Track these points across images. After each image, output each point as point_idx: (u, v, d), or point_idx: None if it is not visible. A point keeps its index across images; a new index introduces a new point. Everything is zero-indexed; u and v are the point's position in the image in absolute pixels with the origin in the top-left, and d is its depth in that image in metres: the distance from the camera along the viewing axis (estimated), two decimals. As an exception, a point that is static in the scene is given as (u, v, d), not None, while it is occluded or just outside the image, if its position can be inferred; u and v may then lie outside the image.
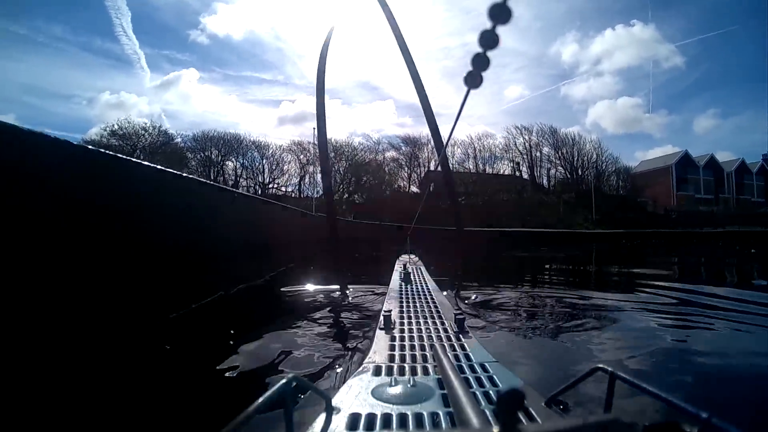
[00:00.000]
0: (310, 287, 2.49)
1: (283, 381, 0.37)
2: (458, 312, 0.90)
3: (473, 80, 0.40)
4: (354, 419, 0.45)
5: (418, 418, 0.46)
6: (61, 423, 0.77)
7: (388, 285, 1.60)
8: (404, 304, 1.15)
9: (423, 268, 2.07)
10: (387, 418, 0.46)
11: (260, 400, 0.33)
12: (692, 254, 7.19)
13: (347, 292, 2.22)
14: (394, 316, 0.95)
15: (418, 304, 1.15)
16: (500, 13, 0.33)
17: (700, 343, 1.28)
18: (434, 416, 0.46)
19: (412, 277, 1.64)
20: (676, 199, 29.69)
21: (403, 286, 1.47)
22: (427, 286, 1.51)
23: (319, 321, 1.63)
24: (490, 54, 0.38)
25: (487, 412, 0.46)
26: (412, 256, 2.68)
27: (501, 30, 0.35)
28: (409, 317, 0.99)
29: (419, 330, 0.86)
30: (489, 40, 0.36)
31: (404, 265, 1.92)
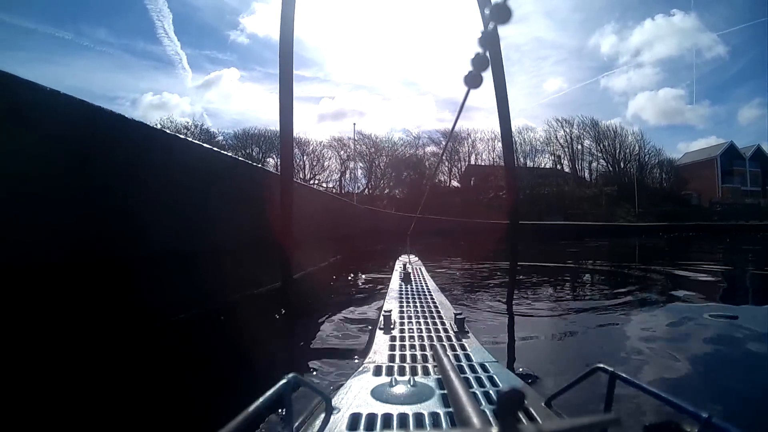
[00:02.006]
0: (315, 285, 2.49)
1: (283, 381, 0.38)
2: (458, 312, 0.90)
3: (473, 80, 0.40)
4: (354, 419, 0.45)
5: (418, 418, 0.46)
6: (60, 423, 0.77)
7: (388, 285, 1.61)
8: (404, 304, 1.15)
9: (423, 268, 2.07)
10: (387, 418, 0.46)
11: (260, 400, 0.33)
12: (737, 248, 6.95)
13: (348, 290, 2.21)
14: (394, 316, 0.95)
15: (418, 304, 1.15)
16: (500, 13, 0.33)
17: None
18: (434, 416, 0.46)
19: (412, 277, 1.64)
20: (722, 192, 28.47)
21: (403, 286, 1.47)
22: (427, 286, 1.51)
23: (320, 320, 1.63)
24: (488, 55, 0.38)
25: (487, 412, 0.46)
26: (412, 256, 2.68)
27: (500, 30, 0.35)
28: (409, 317, 0.99)
29: (419, 330, 0.86)
30: (489, 40, 0.36)
31: (404, 265, 1.92)
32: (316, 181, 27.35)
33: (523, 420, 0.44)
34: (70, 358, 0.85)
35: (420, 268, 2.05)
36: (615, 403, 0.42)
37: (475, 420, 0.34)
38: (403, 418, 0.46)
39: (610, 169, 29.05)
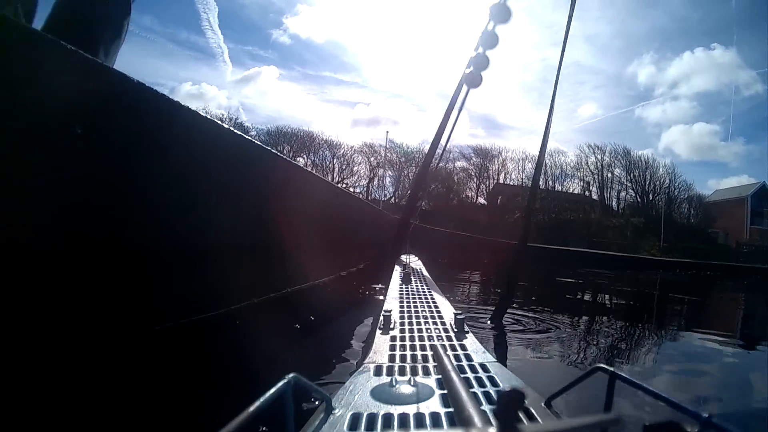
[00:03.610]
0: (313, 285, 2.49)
1: (283, 381, 0.38)
2: (458, 312, 0.90)
3: (473, 80, 0.40)
4: (354, 419, 0.45)
5: (419, 418, 0.46)
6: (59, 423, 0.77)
7: (388, 285, 1.61)
8: (404, 304, 1.15)
9: (423, 269, 2.07)
10: (387, 418, 0.46)
11: (260, 400, 0.33)
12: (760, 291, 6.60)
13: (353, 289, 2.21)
14: (394, 316, 0.95)
15: (418, 304, 1.15)
16: (500, 13, 0.33)
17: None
18: (434, 416, 0.46)
19: (412, 277, 1.64)
20: (749, 233, 27.73)
21: (403, 286, 1.47)
22: (427, 286, 1.51)
23: (320, 320, 1.63)
24: (490, 53, 0.38)
25: (487, 412, 0.46)
26: (412, 257, 2.68)
27: (499, 29, 0.35)
28: (409, 317, 0.99)
29: (419, 330, 0.86)
30: (489, 40, 0.36)
31: (404, 266, 1.92)
32: (345, 185, 27.46)
33: (523, 420, 0.44)
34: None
35: (420, 268, 2.05)
36: (615, 403, 0.42)
37: (475, 420, 0.34)
38: (403, 418, 0.46)
39: (639, 200, 28.57)
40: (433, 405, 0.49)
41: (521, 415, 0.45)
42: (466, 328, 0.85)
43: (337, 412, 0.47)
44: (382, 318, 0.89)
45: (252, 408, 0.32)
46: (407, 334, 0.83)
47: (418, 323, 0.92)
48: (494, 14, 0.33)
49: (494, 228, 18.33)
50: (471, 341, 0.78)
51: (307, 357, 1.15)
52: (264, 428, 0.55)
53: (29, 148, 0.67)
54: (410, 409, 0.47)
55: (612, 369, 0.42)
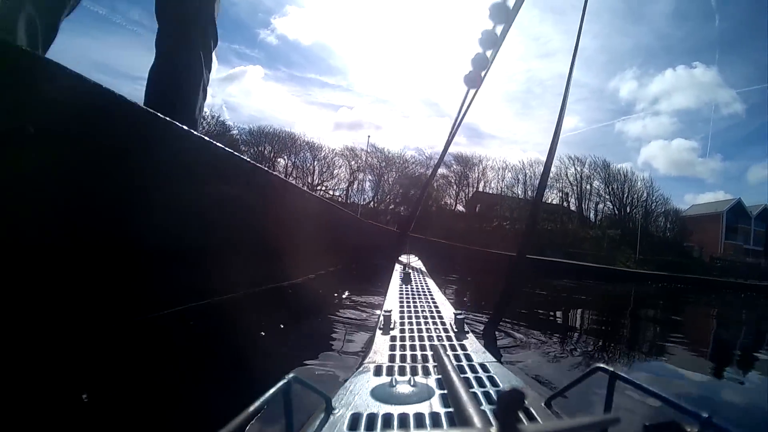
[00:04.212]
0: (310, 285, 2.49)
1: (283, 381, 0.38)
2: (458, 312, 0.90)
3: (473, 80, 0.40)
4: (354, 419, 0.45)
5: (419, 418, 0.46)
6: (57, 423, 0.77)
7: (388, 285, 1.61)
8: (404, 304, 1.15)
9: (423, 269, 2.07)
10: (387, 418, 0.46)
11: (260, 400, 0.33)
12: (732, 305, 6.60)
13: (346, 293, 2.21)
14: (394, 316, 0.95)
15: (418, 304, 1.15)
16: (500, 13, 0.33)
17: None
18: (434, 416, 0.46)
19: (412, 277, 1.64)
20: (724, 248, 28.78)
21: (403, 286, 1.47)
22: (427, 286, 1.51)
23: (319, 321, 1.63)
24: (489, 53, 0.38)
25: (488, 412, 0.46)
26: (412, 257, 2.68)
27: (498, 30, 0.35)
28: (409, 317, 0.99)
29: (419, 330, 0.86)
30: (489, 40, 0.36)
31: (404, 266, 1.92)
32: (324, 188, 27.43)
33: (523, 420, 0.44)
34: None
35: (420, 268, 2.05)
36: (615, 403, 0.42)
37: (475, 420, 0.34)
38: (403, 418, 0.46)
39: (616, 212, 29.07)
40: (433, 405, 0.49)
41: (521, 415, 0.45)
42: (466, 328, 0.85)
43: (337, 412, 0.47)
44: (382, 318, 0.89)
45: (251, 408, 0.32)
46: (407, 334, 0.83)
47: (418, 323, 0.92)
48: (494, 14, 0.33)
49: (472, 235, 18.39)
50: (471, 341, 0.78)
51: (307, 357, 1.15)
52: (264, 428, 0.55)
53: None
54: (410, 409, 0.48)
55: (612, 369, 0.42)
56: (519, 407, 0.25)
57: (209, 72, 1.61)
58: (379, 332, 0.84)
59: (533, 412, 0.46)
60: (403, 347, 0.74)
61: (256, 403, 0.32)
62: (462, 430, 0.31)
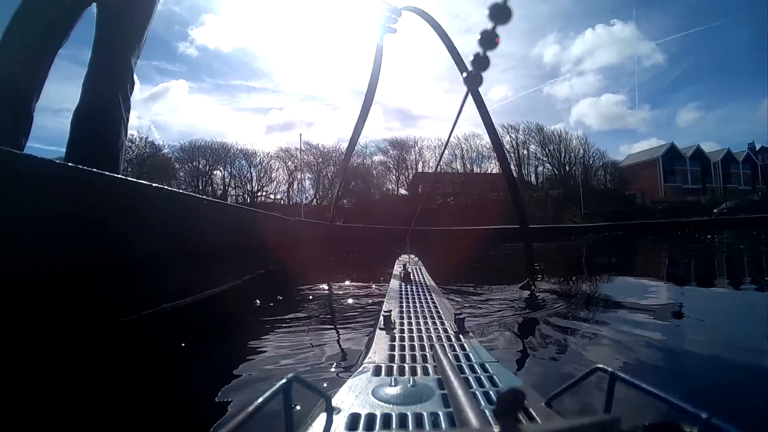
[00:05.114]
0: (307, 285, 2.49)
1: (283, 381, 0.38)
2: (458, 312, 0.90)
3: (473, 80, 0.40)
4: (354, 419, 0.45)
5: (418, 418, 0.46)
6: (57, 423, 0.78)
7: (388, 285, 1.60)
8: (404, 304, 1.15)
9: (423, 268, 2.07)
10: (387, 418, 0.46)
11: (260, 399, 0.33)
12: (676, 242, 7.91)
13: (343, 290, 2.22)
14: (394, 316, 0.95)
15: (418, 304, 1.15)
16: (500, 13, 0.33)
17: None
18: (434, 416, 0.46)
19: (412, 277, 1.64)
20: (664, 191, 30.28)
21: (403, 286, 1.47)
22: (427, 286, 1.51)
23: (319, 321, 1.64)
24: (489, 54, 0.38)
25: (487, 412, 0.46)
26: (412, 256, 2.68)
27: (499, 30, 0.35)
28: (409, 317, 0.99)
29: (419, 330, 0.86)
30: (489, 40, 0.36)
31: (404, 265, 1.92)
32: (264, 193, 27.44)
33: (523, 420, 0.44)
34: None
35: (420, 268, 2.05)
36: (615, 403, 0.42)
37: (475, 420, 0.34)
38: (403, 418, 0.46)
39: (556, 172, 30.07)
40: (433, 405, 0.49)
41: (521, 415, 0.45)
42: (467, 328, 0.85)
43: (337, 412, 0.47)
44: (381, 317, 0.89)
45: (251, 408, 0.32)
46: (407, 334, 0.83)
47: (418, 323, 0.92)
48: (494, 14, 0.33)
49: (418, 217, 18.15)
50: (471, 341, 0.78)
51: (306, 357, 1.15)
52: (264, 428, 0.55)
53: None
54: (410, 409, 0.48)
55: (611, 369, 0.42)
56: (519, 407, 0.25)
57: (128, 112, 1.78)
58: (378, 332, 0.84)
59: (533, 412, 0.45)
60: (402, 347, 0.74)
61: (256, 403, 0.33)
62: (462, 430, 0.31)
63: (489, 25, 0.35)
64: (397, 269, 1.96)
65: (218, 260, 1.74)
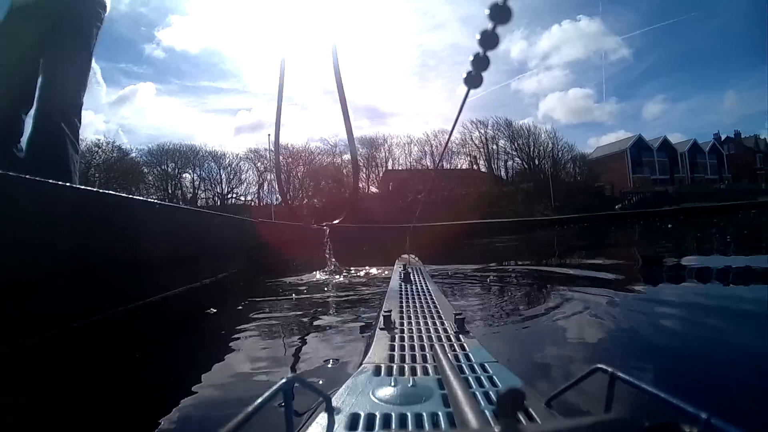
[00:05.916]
0: (303, 281, 2.50)
1: (283, 381, 0.38)
2: (458, 312, 0.90)
3: (473, 81, 0.40)
4: (354, 419, 0.45)
5: (418, 418, 0.46)
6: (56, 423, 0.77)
7: (388, 285, 1.60)
8: (404, 304, 1.15)
9: (423, 268, 2.07)
10: (387, 418, 0.46)
11: (260, 400, 0.33)
12: (646, 231, 8.64)
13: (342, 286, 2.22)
14: (394, 316, 0.95)
15: (417, 304, 1.15)
16: (500, 13, 0.34)
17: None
18: (434, 416, 0.46)
19: (412, 277, 1.64)
20: (633, 182, 30.74)
21: (403, 286, 1.47)
22: (427, 286, 1.51)
23: (319, 321, 1.63)
24: (489, 54, 0.38)
25: (487, 413, 0.46)
26: (412, 256, 2.68)
27: (499, 30, 0.35)
28: (409, 317, 0.99)
29: (419, 330, 0.86)
30: (489, 40, 0.36)
31: (404, 265, 1.92)
32: (234, 195, 27.36)
33: (523, 420, 0.44)
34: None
35: (420, 268, 2.05)
36: (615, 403, 0.42)
37: (475, 420, 0.34)
38: (402, 418, 0.46)
39: (526, 166, 30.46)
40: (433, 405, 0.49)
41: (521, 415, 0.45)
42: (467, 328, 0.85)
43: (337, 412, 0.47)
44: (381, 318, 0.89)
45: (251, 408, 0.32)
46: (407, 334, 0.83)
47: (418, 323, 0.92)
48: (494, 14, 0.33)
49: (387, 214, 18.75)
50: (471, 341, 0.78)
51: (306, 357, 1.15)
52: (264, 428, 0.55)
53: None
54: (410, 410, 0.48)
55: (612, 369, 0.42)
56: (519, 407, 0.24)
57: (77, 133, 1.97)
58: (379, 332, 0.84)
59: (533, 412, 0.45)
60: (402, 347, 0.74)
61: (256, 403, 0.33)
62: (462, 430, 0.31)
63: (489, 25, 0.35)
64: (397, 269, 1.96)
65: (217, 258, 1.76)
